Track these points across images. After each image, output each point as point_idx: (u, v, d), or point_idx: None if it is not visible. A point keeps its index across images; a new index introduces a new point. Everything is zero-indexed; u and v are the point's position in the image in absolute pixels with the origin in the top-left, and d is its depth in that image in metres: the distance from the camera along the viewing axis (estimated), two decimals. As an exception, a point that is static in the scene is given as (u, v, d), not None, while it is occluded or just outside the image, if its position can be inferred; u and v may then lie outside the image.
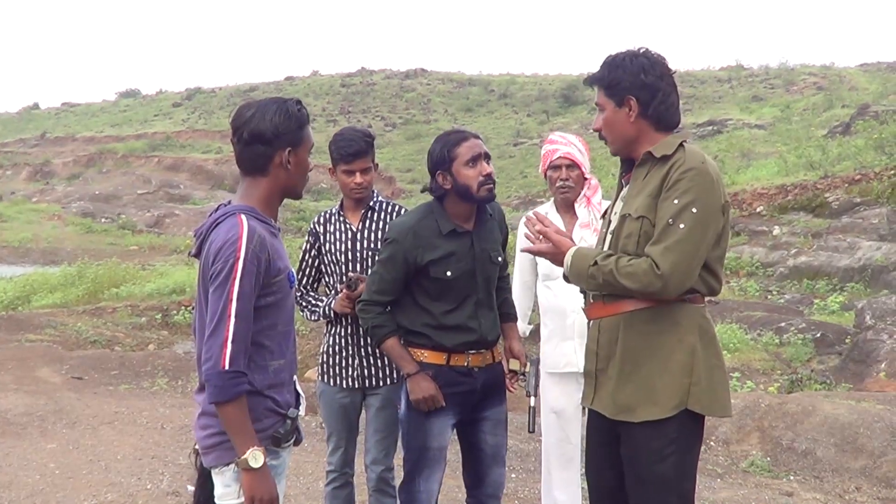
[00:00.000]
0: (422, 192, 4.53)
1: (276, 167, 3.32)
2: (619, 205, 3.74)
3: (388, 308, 4.47)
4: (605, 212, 3.94)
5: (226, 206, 3.35)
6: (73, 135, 75.96)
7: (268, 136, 3.27)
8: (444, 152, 4.32)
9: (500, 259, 4.52)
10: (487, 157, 4.33)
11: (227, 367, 3.08)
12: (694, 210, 3.39)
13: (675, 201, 3.41)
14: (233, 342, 3.10)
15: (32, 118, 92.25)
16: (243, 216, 3.22)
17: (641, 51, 3.67)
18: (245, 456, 3.11)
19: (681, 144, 3.57)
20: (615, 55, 3.66)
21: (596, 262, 3.49)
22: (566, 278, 3.77)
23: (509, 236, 4.78)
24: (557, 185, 5.18)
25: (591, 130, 3.79)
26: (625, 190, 3.74)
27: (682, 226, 3.37)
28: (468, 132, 4.40)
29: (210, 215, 3.35)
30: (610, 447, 3.75)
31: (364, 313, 4.45)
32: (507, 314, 4.76)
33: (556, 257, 3.66)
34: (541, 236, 3.74)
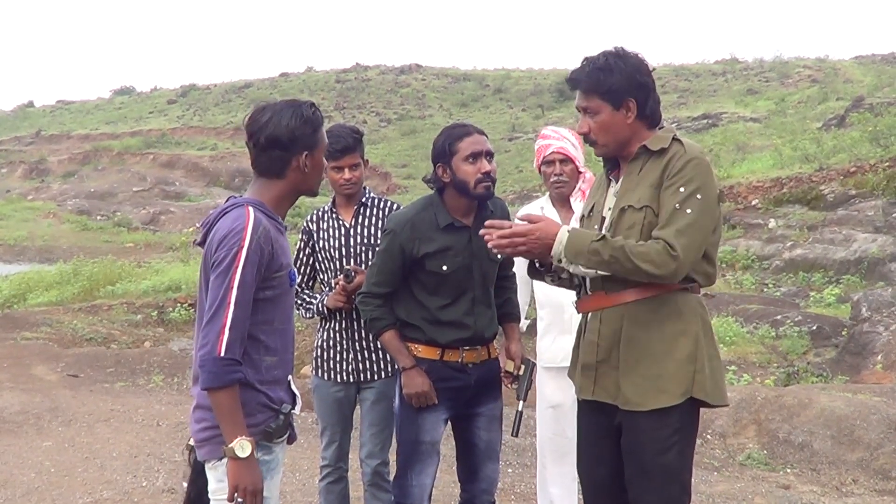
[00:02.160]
0: (423, 180, 4.54)
1: (292, 170, 3.36)
2: (611, 200, 3.75)
3: (387, 301, 4.47)
4: (591, 209, 3.92)
5: (236, 198, 3.37)
6: (68, 132, 75.82)
7: (284, 141, 3.30)
8: (446, 146, 4.32)
9: (500, 256, 4.50)
10: (489, 154, 4.32)
11: (222, 354, 3.10)
12: (699, 196, 3.46)
13: (681, 189, 3.47)
14: (230, 329, 3.12)
15: (27, 116, 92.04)
16: (251, 208, 3.25)
17: (621, 51, 3.69)
18: (232, 445, 3.12)
19: (674, 138, 3.62)
20: (602, 57, 3.66)
21: (603, 238, 3.47)
22: (552, 264, 3.71)
23: None
24: (552, 180, 5.17)
25: (579, 133, 3.77)
26: (615, 186, 3.76)
27: (689, 211, 3.45)
28: (473, 128, 4.38)
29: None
30: (606, 441, 3.77)
31: (363, 305, 4.47)
32: (510, 314, 4.75)
33: (545, 233, 3.55)
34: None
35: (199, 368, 3.18)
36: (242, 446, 3.13)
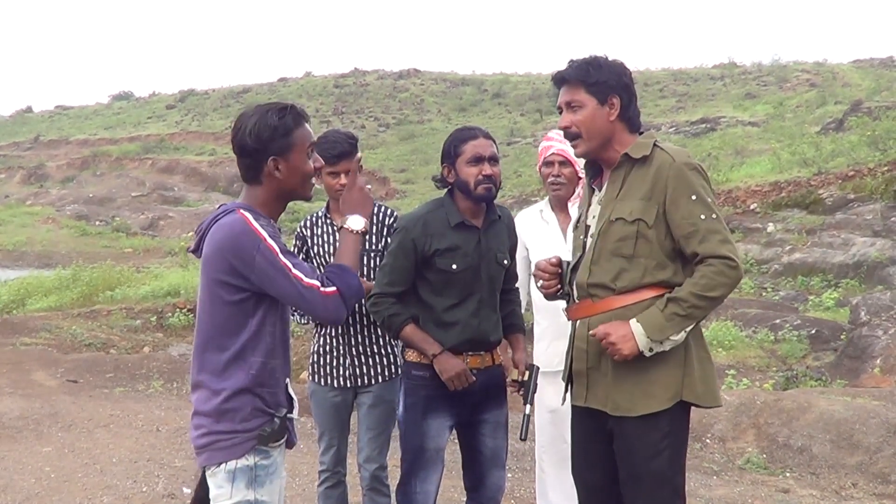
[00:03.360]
0: (432, 178, 4.59)
1: (266, 176, 3.37)
2: (595, 209, 3.78)
3: (400, 299, 4.47)
4: (578, 219, 3.96)
5: (226, 206, 3.40)
6: (66, 138, 75.69)
7: (249, 148, 3.33)
8: (451, 147, 4.40)
9: (506, 262, 4.55)
10: (492, 159, 4.36)
11: (337, 288, 3.28)
12: (709, 200, 3.55)
13: (693, 197, 3.54)
14: (324, 285, 3.27)
15: (26, 121, 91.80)
16: (243, 210, 3.28)
17: (605, 55, 3.76)
18: (348, 224, 3.49)
19: (655, 144, 3.68)
20: (590, 57, 3.74)
21: (668, 303, 3.53)
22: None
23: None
24: (549, 180, 5.19)
25: (560, 127, 3.83)
26: (599, 194, 3.80)
27: (713, 216, 3.53)
28: (480, 132, 4.44)
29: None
30: (598, 445, 3.80)
31: (376, 306, 4.46)
32: (514, 325, 4.77)
33: (621, 335, 3.56)
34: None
35: (338, 308, 3.30)
36: (353, 222, 3.50)
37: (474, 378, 4.39)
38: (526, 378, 4.50)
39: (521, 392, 4.53)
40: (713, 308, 3.64)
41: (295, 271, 3.20)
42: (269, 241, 3.19)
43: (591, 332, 3.68)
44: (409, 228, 4.38)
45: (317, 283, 3.21)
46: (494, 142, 4.45)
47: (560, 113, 3.80)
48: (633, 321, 3.55)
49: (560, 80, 3.75)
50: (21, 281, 22.91)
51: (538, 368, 4.60)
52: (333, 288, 3.23)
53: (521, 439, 4.51)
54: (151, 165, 61.89)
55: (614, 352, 3.57)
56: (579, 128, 3.70)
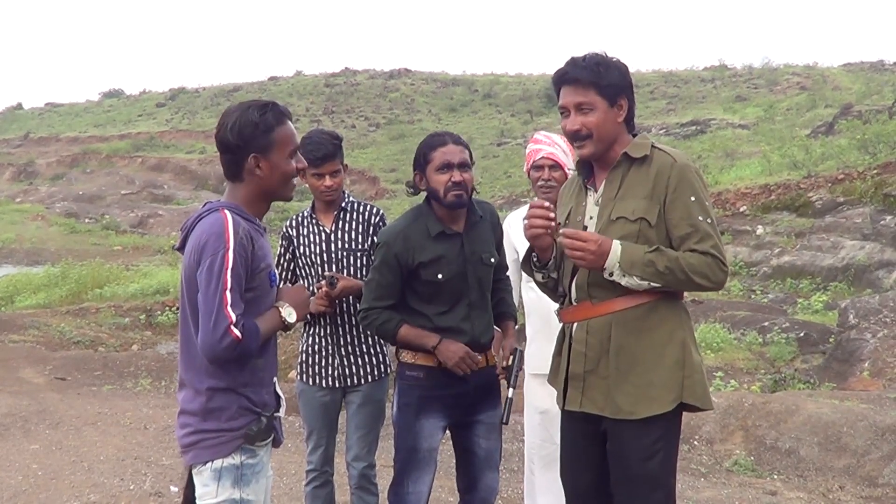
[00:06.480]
0: (405, 184, 4.57)
1: (247, 173, 3.36)
2: (592, 209, 3.75)
3: (390, 307, 4.44)
4: (567, 217, 3.91)
5: (212, 203, 3.38)
6: (56, 135, 75.53)
7: (231, 144, 3.32)
8: (421, 154, 4.39)
9: (492, 260, 4.51)
10: (462, 165, 4.32)
11: (242, 338, 3.16)
12: (707, 203, 3.56)
13: (692, 199, 3.54)
14: (236, 326, 3.15)
15: (16, 118, 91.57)
16: (227, 211, 3.27)
17: (604, 53, 3.70)
18: (284, 314, 3.42)
19: (652, 145, 3.67)
20: (596, 55, 3.66)
21: (657, 249, 3.50)
22: (548, 261, 3.74)
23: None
24: (539, 184, 5.17)
25: (570, 130, 3.70)
26: (595, 194, 3.76)
27: (709, 220, 3.54)
28: (449, 138, 4.40)
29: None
30: (591, 448, 3.78)
31: (366, 320, 4.44)
32: (504, 312, 4.75)
33: (603, 244, 3.50)
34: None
35: (234, 358, 3.22)
36: (289, 315, 3.42)
37: (479, 359, 4.37)
38: (510, 362, 4.49)
39: (506, 377, 4.53)
40: (681, 289, 3.62)
41: (228, 293, 3.14)
42: (231, 254, 3.16)
43: (562, 230, 3.60)
44: (390, 244, 4.35)
45: (233, 317, 3.13)
46: (466, 147, 4.41)
47: (563, 114, 3.72)
48: (616, 241, 3.52)
49: (572, 80, 3.64)
50: (10, 278, 22.91)
51: (521, 352, 4.59)
52: (240, 335, 3.14)
53: (503, 423, 4.49)
54: (141, 163, 61.77)
55: (582, 257, 3.52)
56: (590, 130, 3.63)
